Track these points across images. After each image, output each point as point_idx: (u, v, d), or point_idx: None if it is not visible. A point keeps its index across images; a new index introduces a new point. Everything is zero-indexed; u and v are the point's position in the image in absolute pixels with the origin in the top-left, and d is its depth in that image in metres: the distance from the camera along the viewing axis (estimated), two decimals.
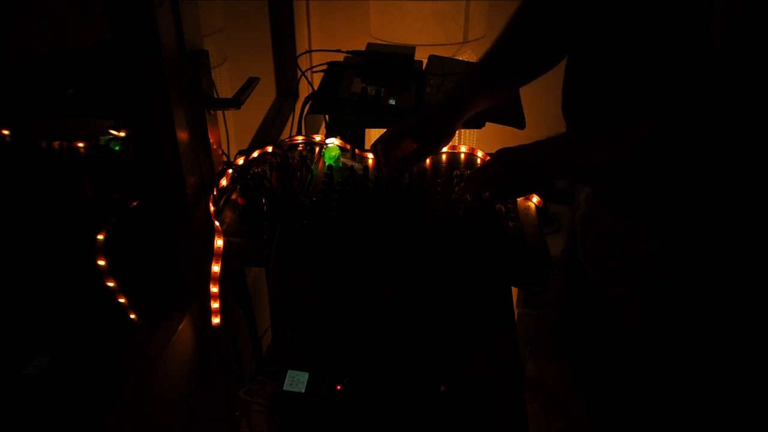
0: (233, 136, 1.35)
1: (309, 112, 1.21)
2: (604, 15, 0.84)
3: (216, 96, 0.96)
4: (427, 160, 1.13)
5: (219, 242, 0.91)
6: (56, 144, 1.02)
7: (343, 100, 1.19)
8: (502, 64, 1.01)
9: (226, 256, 0.92)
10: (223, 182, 1.00)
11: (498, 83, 1.03)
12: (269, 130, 1.55)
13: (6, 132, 0.99)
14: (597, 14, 0.86)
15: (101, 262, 0.94)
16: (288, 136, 1.36)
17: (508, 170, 0.90)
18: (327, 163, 1.08)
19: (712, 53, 0.62)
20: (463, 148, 1.17)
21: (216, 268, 0.91)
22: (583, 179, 0.87)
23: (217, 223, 0.92)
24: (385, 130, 1.08)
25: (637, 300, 0.84)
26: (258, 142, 1.46)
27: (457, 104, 1.03)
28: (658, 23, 0.74)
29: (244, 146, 1.35)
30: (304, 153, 1.12)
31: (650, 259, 0.80)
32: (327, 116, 1.26)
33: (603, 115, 0.84)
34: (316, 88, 1.31)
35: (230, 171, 1.00)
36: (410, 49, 1.35)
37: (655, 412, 0.88)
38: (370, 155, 1.14)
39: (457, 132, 1.13)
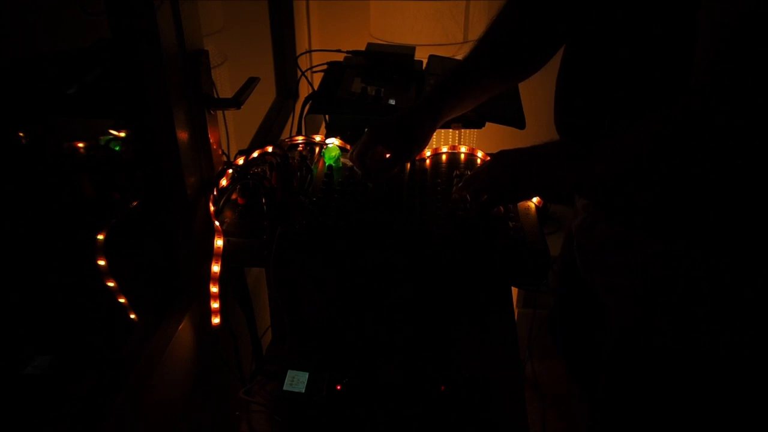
0: (233, 136, 1.35)
1: (309, 112, 1.21)
2: (583, 21, 0.84)
3: (216, 96, 0.96)
4: (427, 161, 1.13)
5: (219, 242, 0.91)
6: (56, 144, 1.02)
7: (343, 100, 1.19)
8: (478, 69, 1.00)
9: (226, 256, 0.92)
10: (223, 182, 1.00)
11: (472, 91, 1.01)
12: (269, 130, 1.55)
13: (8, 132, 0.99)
14: (576, 20, 0.87)
15: (101, 263, 0.94)
16: (288, 136, 1.36)
17: (507, 175, 0.89)
18: (327, 163, 1.08)
19: (701, 66, 0.63)
20: (463, 148, 1.17)
21: (216, 268, 0.92)
22: (577, 188, 0.86)
23: (217, 223, 0.92)
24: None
25: (628, 300, 0.85)
26: (258, 142, 1.46)
27: (429, 110, 1.00)
28: (642, 30, 0.75)
29: (244, 146, 1.35)
30: (304, 153, 1.12)
31: (645, 261, 0.81)
32: (327, 116, 1.26)
33: (597, 125, 0.84)
34: (316, 88, 1.31)
35: (230, 171, 1.00)
36: (410, 49, 1.35)
37: (649, 411, 0.88)
38: None
39: (457, 132, 1.12)
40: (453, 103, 1.00)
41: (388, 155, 1.01)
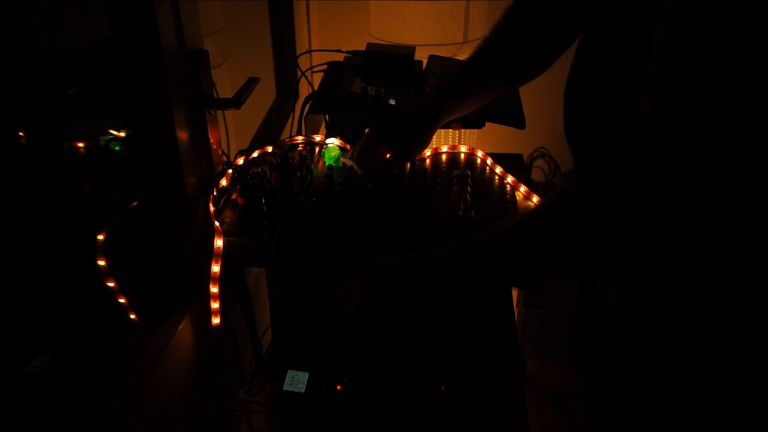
0: (233, 136, 1.35)
1: (309, 112, 1.21)
2: (583, 21, 0.84)
3: (216, 96, 0.96)
4: (427, 161, 1.13)
5: (219, 242, 0.91)
6: (56, 144, 1.02)
7: (343, 100, 1.19)
8: (480, 70, 1.00)
9: (226, 256, 0.92)
10: (223, 182, 1.00)
11: (474, 92, 1.01)
12: (269, 130, 1.55)
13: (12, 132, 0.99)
14: (576, 21, 0.87)
15: (101, 263, 0.94)
16: (288, 136, 1.36)
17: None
18: (327, 163, 1.08)
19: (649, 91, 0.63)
20: (463, 148, 1.17)
21: (216, 268, 0.92)
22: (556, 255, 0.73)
23: (217, 223, 0.92)
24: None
25: (628, 300, 0.85)
26: (258, 142, 1.46)
27: (431, 111, 1.00)
28: (642, 30, 0.75)
29: (244, 146, 1.35)
30: (304, 153, 1.12)
31: (645, 262, 0.81)
32: (327, 116, 1.26)
33: (597, 125, 0.83)
34: (316, 88, 1.31)
35: (230, 171, 1.00)
36: (410, 49, 1.35)
37: (650, 411, 0.88)
38: None
39: (457, 132, 1.12)
40: (454, 103, 1.00)
41: (388, 155, 1.01)
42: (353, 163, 1.05)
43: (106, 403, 0.76)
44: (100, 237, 0.94)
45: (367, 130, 1.04)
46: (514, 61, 0.99)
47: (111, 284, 0.95)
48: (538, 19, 0.93)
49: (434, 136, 1.06)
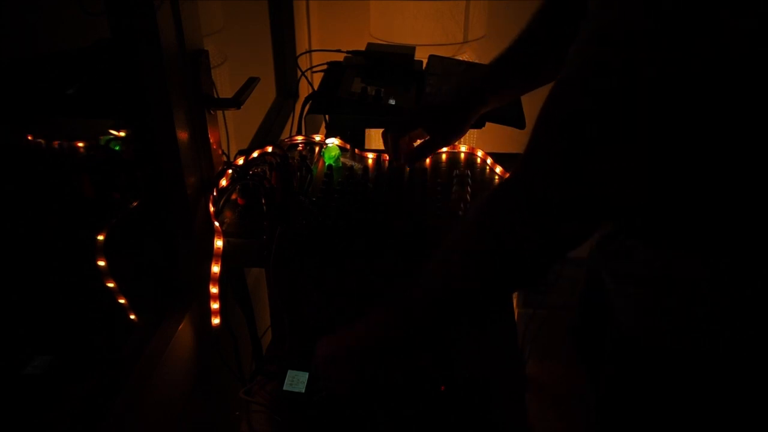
0: (233, 136, 1.35)
1: (309, 112, 1.21)
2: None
3: (216, 96, 0.96)
4: (427, 161, 1.13)
5: (219, 243, 0.91)
6: (56, 144, 1.02)
7: (343, 100, 1.19)
8: (524, 60, 0.99)
9: (226, 257, 0.92)
10: (223, 182, 1.00)
11: (519, 79, 1.01)
12: (269, 130, 1.55)
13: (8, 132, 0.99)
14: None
15: (101, 263, 0.94)
16: (288, 136, 1.36)
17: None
18: (327, 163, 1.08)
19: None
20: (463, 148, 1.17)
21: (216, 268, 0.92)
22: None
23: (217, 224, 0.92)
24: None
25: (628, 300, 0.85)
26: (258, 142, 1.46)
27: (476, 96, 0.99)
28: None
29: (244, 146, 1.35)
30: (304, 153, 1.12)
31: (645, 262, 0.81)
32: (327, 116, 1.26)
33: None
34: (316, 88, 1.31)
35: (230, 171, 1.00)
36: (410, 49, 1.35)
37: (650, 411, 0.88)
38: (370, 155, 1.13)
39: None
40: (497, 93, 1.00)
41: (418, 142, 1.02)
42: (384, 143, 1.04)
43: (106, 403, 0.76)
44: (100, 237, 0.94)
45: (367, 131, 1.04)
46: (540, 55, 0.98)
47: (111, 284, 0.95)
48: (551, 17, 0.93)
49: None
